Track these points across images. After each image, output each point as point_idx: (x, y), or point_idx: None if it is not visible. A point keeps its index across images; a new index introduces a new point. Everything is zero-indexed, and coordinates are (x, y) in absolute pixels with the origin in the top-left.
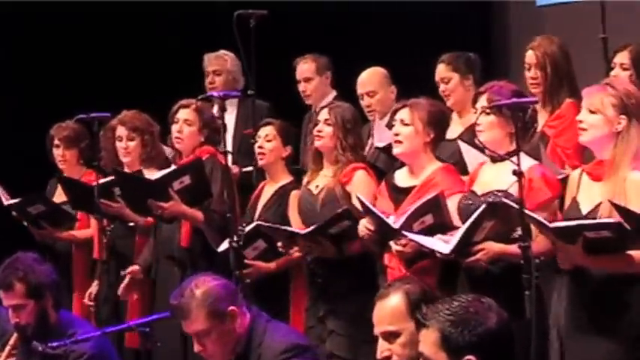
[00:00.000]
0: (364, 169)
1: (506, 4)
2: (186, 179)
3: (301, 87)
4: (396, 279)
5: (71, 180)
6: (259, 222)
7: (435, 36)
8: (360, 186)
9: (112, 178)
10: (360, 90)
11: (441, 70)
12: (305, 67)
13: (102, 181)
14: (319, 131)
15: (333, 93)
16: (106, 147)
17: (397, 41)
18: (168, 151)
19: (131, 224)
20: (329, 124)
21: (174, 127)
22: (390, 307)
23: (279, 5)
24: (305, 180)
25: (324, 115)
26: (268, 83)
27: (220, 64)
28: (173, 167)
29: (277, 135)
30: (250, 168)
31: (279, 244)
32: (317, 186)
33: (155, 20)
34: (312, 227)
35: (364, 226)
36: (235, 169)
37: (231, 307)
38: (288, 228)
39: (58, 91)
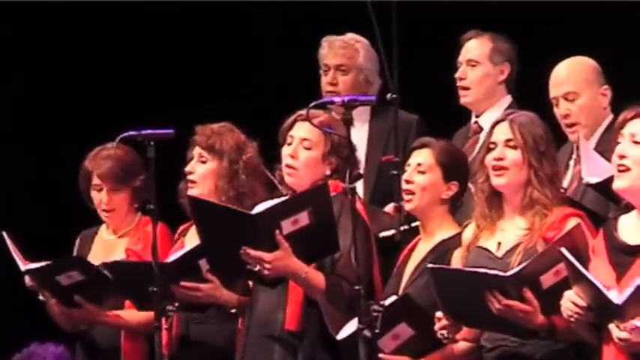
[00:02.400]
0: (580, 216)
1: None
2: (304, 218)
3: (460, 73)
4: None
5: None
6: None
7: None
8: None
9: (194, 246)
10: (553, 92)
11: None
12: (474, 45)
13: (183, 251)
14: (499, 159)
15: (508, 99)
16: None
17: (603, 28)
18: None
19: (233, 311)
20: (513, 147)
21: (286, 150)
22: None
23: None
24: (468, 233)
25: (502, 132)
26: (415, 86)
27: (348, 56)
28: (284, 198)
29: (437, 164)
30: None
31: (440, 325)
32: (499, 243)
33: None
34: (520, 266)
35: (570, 300)
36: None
37: None
38: (483, 270)
39: (92, 99)
